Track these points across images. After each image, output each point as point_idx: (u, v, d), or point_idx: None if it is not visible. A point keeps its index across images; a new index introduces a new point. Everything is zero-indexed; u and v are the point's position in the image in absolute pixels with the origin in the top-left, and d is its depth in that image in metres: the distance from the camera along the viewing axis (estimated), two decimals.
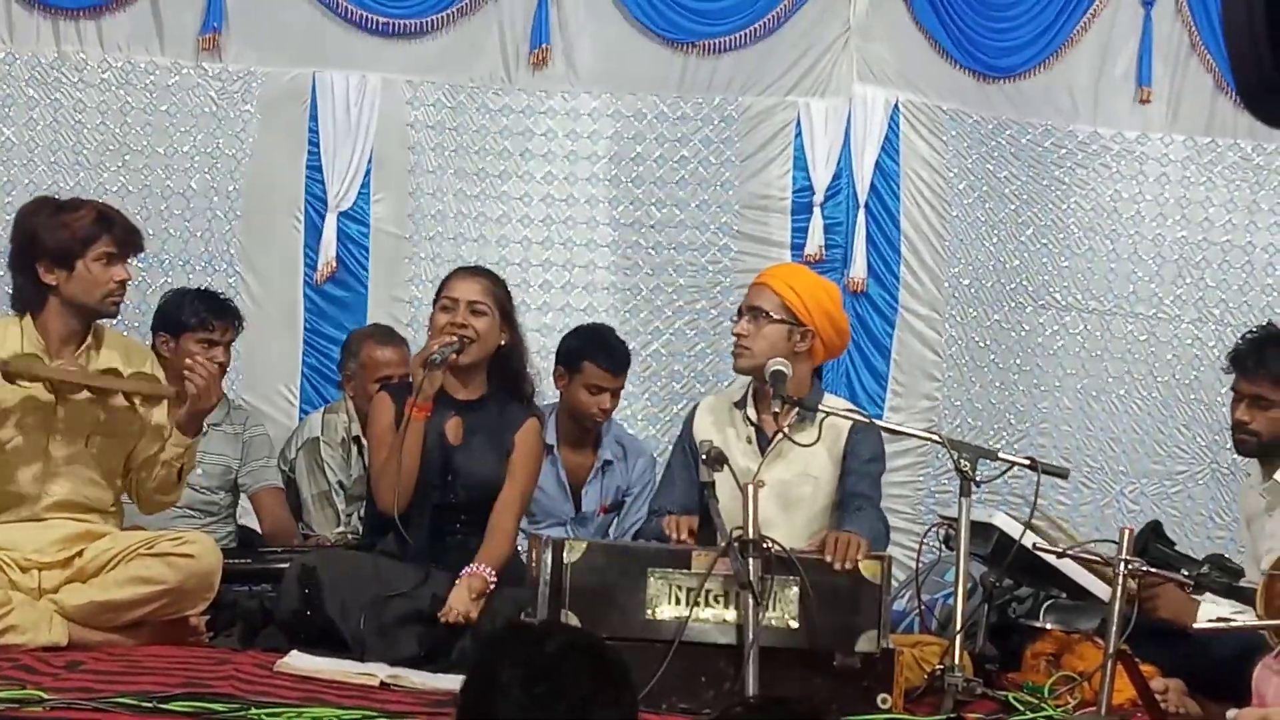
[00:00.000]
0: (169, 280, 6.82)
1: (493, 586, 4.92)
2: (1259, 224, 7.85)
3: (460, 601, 4.84)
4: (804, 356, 5.13)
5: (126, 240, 4.97)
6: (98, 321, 5.02)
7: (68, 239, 4.87)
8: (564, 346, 6.39)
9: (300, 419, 6.84)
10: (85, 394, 4.91)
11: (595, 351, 6.26)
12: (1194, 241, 7.82)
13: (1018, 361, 7.71)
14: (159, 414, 5.05)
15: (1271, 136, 7.75)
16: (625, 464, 6.39)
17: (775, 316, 5.09)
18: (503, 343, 5.25)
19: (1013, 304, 7.69)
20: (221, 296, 6.21)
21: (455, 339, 5.10)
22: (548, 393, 6.40)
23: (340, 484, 6.31)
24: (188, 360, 5.06)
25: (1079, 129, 7.75)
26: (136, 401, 4.99)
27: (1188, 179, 7.83)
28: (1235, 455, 7.18)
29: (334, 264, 7.05)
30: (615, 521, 6.35)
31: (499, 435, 5.22)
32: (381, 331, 6.58)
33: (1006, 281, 7.67)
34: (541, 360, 6.70)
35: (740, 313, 5.17)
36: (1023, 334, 7.71)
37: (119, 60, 6.92)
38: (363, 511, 5.94)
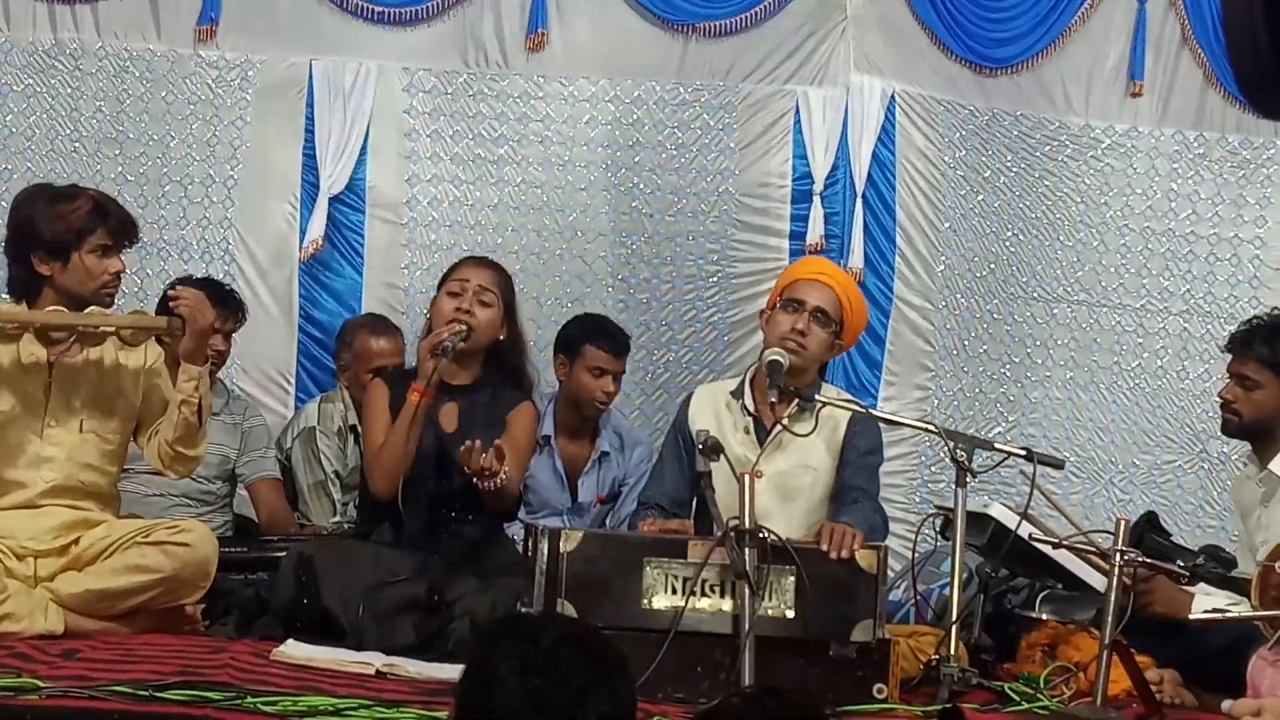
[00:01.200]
0: (165, 267, 6.82)
1: (503, 478, 4.88)
2: (1246, 217, 7.87)
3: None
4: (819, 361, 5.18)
5: (122, 231, 4.93)
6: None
7: (63, 230, 4.84)
8: (563, 334, 6.42)
9: (295, 406, 6.85)
10: (79, 360, 4.89)
11: (595, 335, 6.29)
12: (1182, 234, 7.83)
13: (1009, 352, 7.72)
14: (162, 380, 5.01)
15: (1260, 131, 7.78)
16: (622, 455, 6.40)
17: (834, 325, 5.13)
18: (502, 337, 5.25)
19: (1004, 295, 7.69)
20: (227, 287, 6.21)
21: (464, 327, 5.10)
22: (546, 384, 6.40)
23: (336, 474, 6.31)
24: (170, 290, 5.02)
25: (1071, 121, 7.76)
26: (128, 364, 4.96)
27: (1176, 172, 7.84)
28: (1225, 446, 7.30)
29: (319, 243, 7.03)
30: (611, 512, 6.35)
31: (494, 420, 5.21)
32: (376, 321, 6.58)
33: (998, 272, 7.67)
34: (538, 349, 6.72)
35: (796, 304, 5.13)
36: (1014, 325, 7.72)
37: (116, 47, 6.91)
38: (359, 501, 5.94)
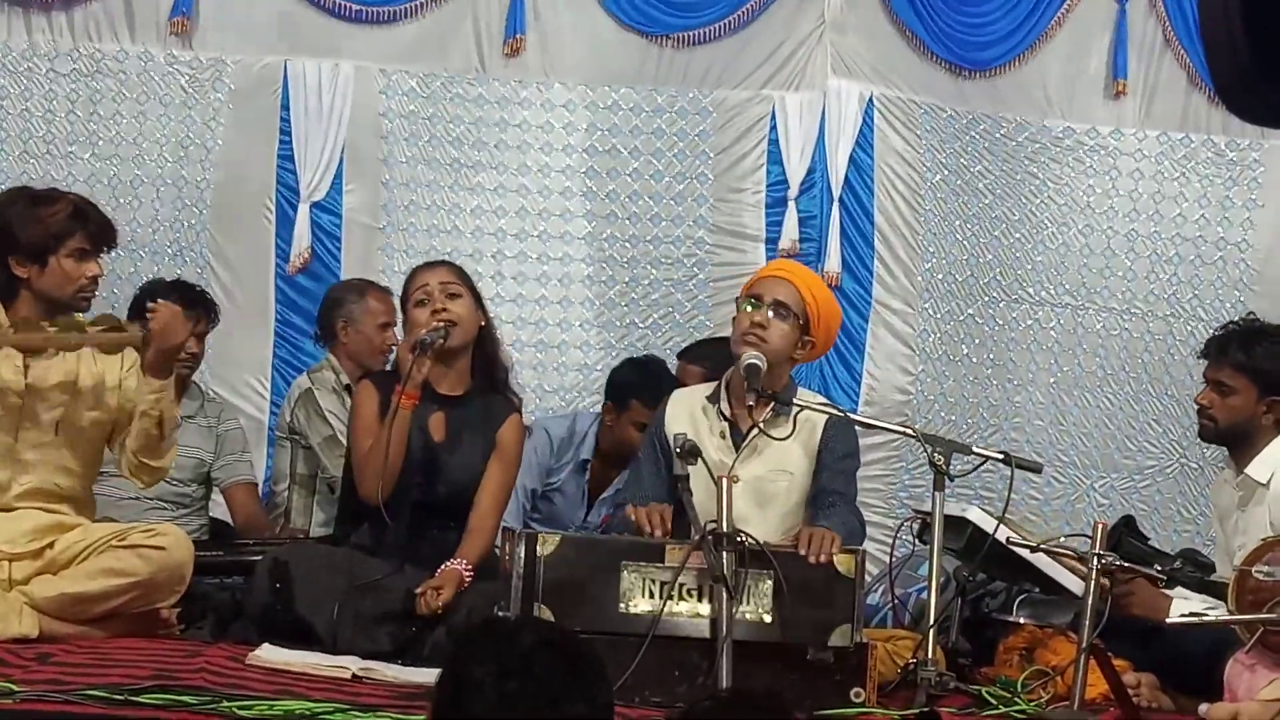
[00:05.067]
0: (137, 270, 6.80)
1: (468, 582, 4.90)
2: (1231, 219, 7.88)
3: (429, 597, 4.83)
4: (792, 361, 5.15)
5: (100, 235, 4.92)
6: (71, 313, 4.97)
7: (41, 234, 4.82)
8: (614, 379, 6.36)
9: (271, 410, 6.83)
10: (55, 373, 4.86)
11: (642, 390, 6.19)
12: (1166, 236, 7.84)
13: (991, 356, 7.72)
14: (132, 383, 4.98)
15: (1243, 132, 7.78)
16: None
17: (797, 318, 5.07)
18: (482, 324, 5.23)
19: (986, 298, 7.69)
20: (197, 288, 6.18)
21: (442, 325, 5.07)
22: (523, 384, 6.38)
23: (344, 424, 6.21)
24: (148, 303, 5.01)
25: (1053, 123, 7.77)
26: (107, 380, 4.93)
27: (1160, 174, 7.85)
28: (1205, 451, 7.30)
29: (308, 254, 7.02)
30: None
31: (484, 432, 5.18)
32: (373, 284, 6.53)
33: (980, 276, 7.67)
34: (516, 353, 6.71)
35: (755, 300, 5.09)
36: (996, 328, 7.72)
37: (89, 48, 6.88)
38: (339, 503, 5.90)
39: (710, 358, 6.17)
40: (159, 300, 4.97)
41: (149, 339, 4.84)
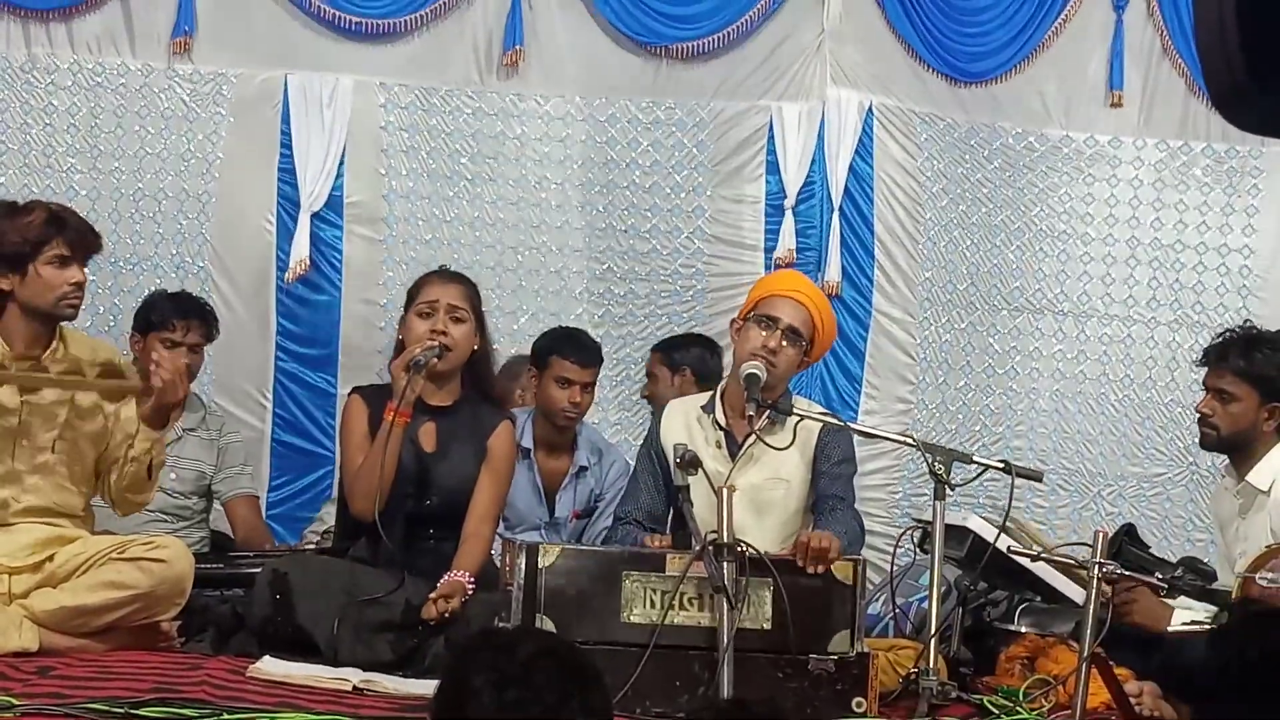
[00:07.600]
0: (140, 283, 6.79)
1: (471, 592, 4.91)
2: (1232, 226, 7.86)
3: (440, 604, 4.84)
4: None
5: (79, 242, 4.87)
6: (63, 323, 4.97)
7: (18, 242, 4.79)
8: (534, 347, 6.41)
9: (273, 422, 6.83)
10: (53, 393, 4.87)
11: (562, 345, 6.28)
12: (1168, 244, 7.83)
13: (992, 364, 7.71)
14: (127, 412, 4.98)
15: (1243, 139, 7.77)
16: (599, 469, 6.38)
17: (804, 344, 5.11)
18: (476, 348, 5.24)
19: (987, 307, 7.69)
20: (197, 299, 6.18)
21: (436, 344, 5.07)
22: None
23: None
24: (153, 354, 5.01)
25: (1052, 132, 7.76)
26: (105, 407, 4.95)
27: (1161, 182, 7.83)
28: (1214, 458, 7.27)
29: (306, 263, 7.02)
30: (587, 526, 6.34)
31: (474, 441, 5.20)
32: None
33: (980, 284, 7.67)
34: None
35: (769, 320, 5.10)
36: (997, 337, 7.71)
37: (90, 62, 6.89)
38: (336, 517, 5.91)
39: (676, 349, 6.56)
40: (164, 354, 4.97)
41: (149, 390, 4.85)
